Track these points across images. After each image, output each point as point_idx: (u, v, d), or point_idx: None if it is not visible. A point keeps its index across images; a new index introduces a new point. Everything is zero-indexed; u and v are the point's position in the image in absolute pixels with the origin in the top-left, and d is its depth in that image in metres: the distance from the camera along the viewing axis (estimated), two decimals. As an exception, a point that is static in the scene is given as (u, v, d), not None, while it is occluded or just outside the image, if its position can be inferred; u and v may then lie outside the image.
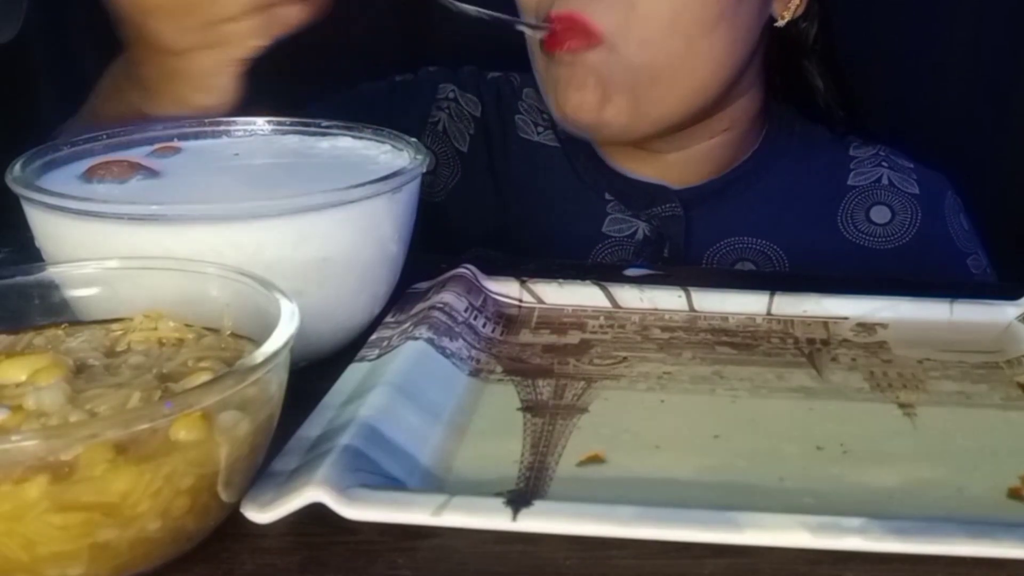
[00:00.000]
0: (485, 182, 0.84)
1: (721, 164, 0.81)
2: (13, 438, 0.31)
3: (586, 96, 0.71)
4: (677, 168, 0.80)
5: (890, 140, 0.87)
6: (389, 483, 0.39)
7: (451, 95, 0.87)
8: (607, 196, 0.81)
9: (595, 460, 0.43)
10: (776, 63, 0.80)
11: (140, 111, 0.63)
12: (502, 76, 0.89)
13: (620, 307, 0.59)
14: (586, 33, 0.69)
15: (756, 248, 0.79)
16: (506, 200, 0.84)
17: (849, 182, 0.82)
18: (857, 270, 0.78)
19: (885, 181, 0.82)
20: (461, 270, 0.59)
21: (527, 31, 0.73)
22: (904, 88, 1.05)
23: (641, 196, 0.81)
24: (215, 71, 0.60)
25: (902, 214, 0.80)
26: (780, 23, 0.76)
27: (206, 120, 0.59)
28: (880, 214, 0.81)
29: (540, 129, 0.85)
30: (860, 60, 1.04)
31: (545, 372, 0.51)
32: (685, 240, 0.79)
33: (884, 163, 0.83)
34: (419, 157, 0.53)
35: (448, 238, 0.80)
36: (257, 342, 0.37)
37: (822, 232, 0.80)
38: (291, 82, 1.06)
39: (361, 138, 0.59)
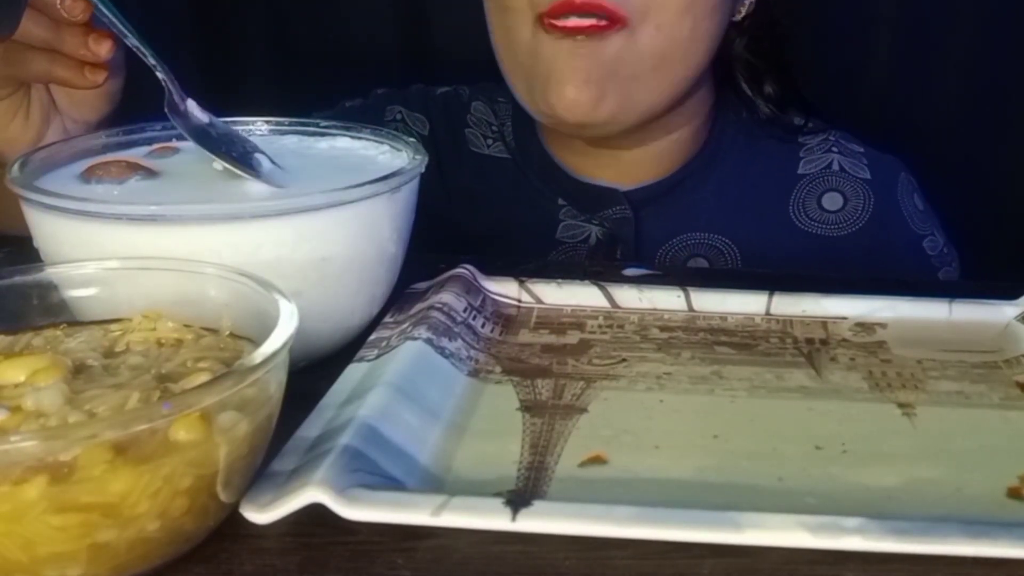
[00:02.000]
0: (438, 197, 0.84)
1: (675, 161, 0.81)
2: (12, 439, 0.31)
3: (584, 94, 0.70)
4: (631, 167, 0.80)
5: (888, 139, 0.87)
6: (388, 483, 0.39)
7: (398, 116, 0.87)
8: (560, 201, 0.82)
9: (597, 461, 0.43)
10: (724, 59, 0.80)
11: None
12: (451, 91, 0.89)
13: (619, 307, 0.59)
14: (612, 16, 0.68)
15: (708, 243, 0.79)
16: (460, 213, 0.84)
17: (799, 171, 0.82)
18: (812, 259, 0.78)
19: (836, 167, 0.82)
20: (460, 270, 0.59)
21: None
22: (904, 86, 1.05)
23: (592, 199, 0.81)
24: None
25: (854, 200, 0.80)
26: (737, 18, 0.77)
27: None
28: (832, 201, 0.80)
29: (489, 142, 0.85)
30: (860, 61, 1.04)
31: (544, 372, 0.51)
32: (636, 240, 0.79)
33: (834, 148, 0.82)
34: (418, 157, 0.53)
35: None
36: (256, 342, 0.37)
37: (774, 223, 0.80)
38: (289, 94, 1.07)
39: (360, 138, 0.59)
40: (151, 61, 0.55)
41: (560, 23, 0.69)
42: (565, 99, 0.70)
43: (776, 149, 0.82)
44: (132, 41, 0.54)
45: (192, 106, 0.56)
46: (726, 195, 0.81)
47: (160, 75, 0.55)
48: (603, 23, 0.68)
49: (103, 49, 0.56)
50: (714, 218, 0.80)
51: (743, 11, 0.77)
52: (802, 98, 0.84)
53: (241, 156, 0.53)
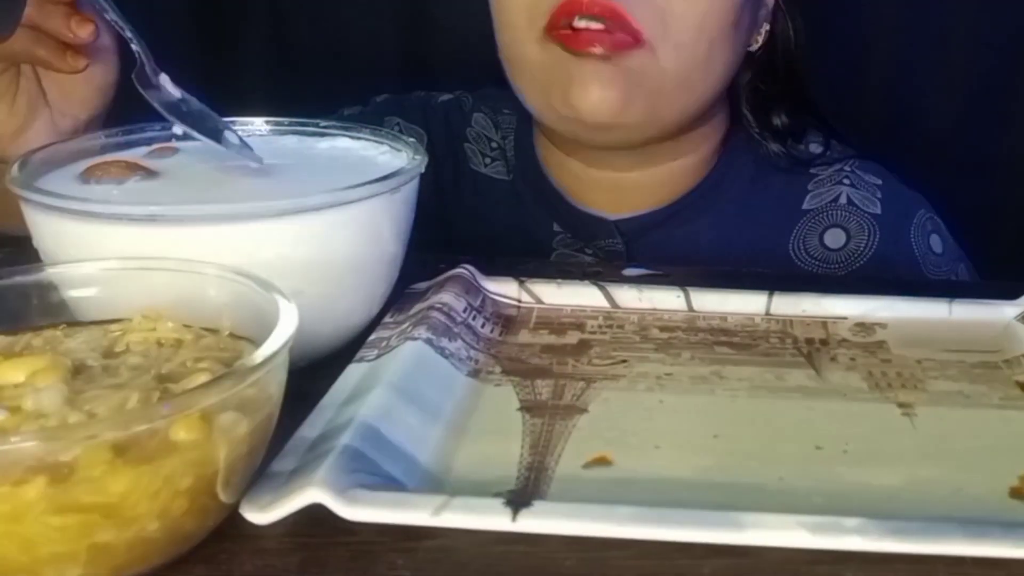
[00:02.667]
0: (430, 215, 0.82)
1: (676, 189, 0.79)
2: (12, 439, 0.31)
3: (610, 95, 0.68)
4: (629, 194, 0.78)
5: (886, 140, 0.86)
6: (388, 484, 0.39)
7: (396, 128, 0.85)
8: (555, 227, 0.80)
9: (602, 462, 0.43)
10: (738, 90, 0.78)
11: None
12: (452, 100, 0.87)
13: (619, 307, 0.59)
14: (630, 32, 0.67)
15: None
16: (455, 230, 0.82)
17: (804, 206, 0.78)
18: None
19: (843, 200, 0.78)
20: (460, 270, 0.59)
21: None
22: (903, 86, 1.05)
23: (585, 228, 0.79)
24: None
25: (858, 236, 0.77)
26: (753, 47, 0.76)
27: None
28: (834, 238, 0.77)
29: (488, 160, 0.84)
30: (859, 64, 1.04)
31: (544, 372, 0.51)
32: None
33: (846, 180, 0.79)
34: (417, 157, 0.53)
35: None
36: (256, 343, 0.37)
37: (772, 260, 0.77)
38: (290, 94, 1.07)
39: (359, 138, 0.59)
40: (127, 34, 0.55)
41: (566, 32, 0.67)
42: (590, 99, 0.68)
43: (784, 182, 0.79)
44: (111, 16, 0.55)
45: (165, 80, 0.56)
46: (723, 229, 0.78)
47: (134, 47, 0.55)
48: (625, 39, 0.67)
49: (84, 31, 0.57)
50: (711, 252, 0.77)
51: (759, 40, 0.76)
52: (825, 125, 0.81)
53: (211, 132, 0.54)
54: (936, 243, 0.78)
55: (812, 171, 0.80)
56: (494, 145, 0.85)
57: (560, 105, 0.70)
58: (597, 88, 0.68)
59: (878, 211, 0.77)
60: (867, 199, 0.78)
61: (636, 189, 0.78)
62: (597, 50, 0.67)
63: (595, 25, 0.67)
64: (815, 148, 0.80)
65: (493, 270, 0.60)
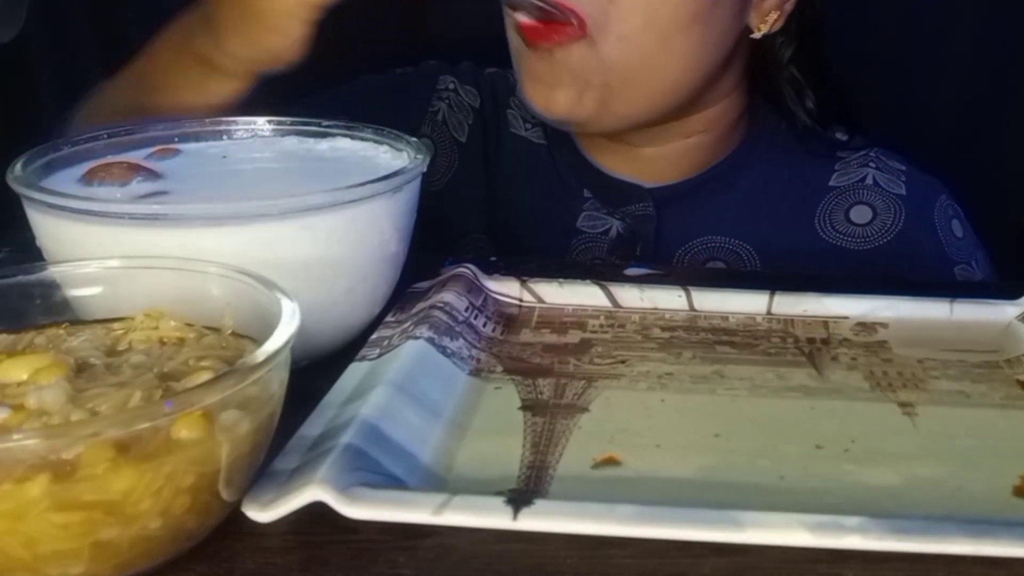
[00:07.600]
0: (479, 174, 0.85)
1: (697, 163, 0.81)
2: (15, 437, 0.31)
3: (557, 94, 0.71)
4: (652, 165, 0.81)
5: (889, 141, 0.86)
6: (390, 482, 0.39)
7: (451, 86, 0.88)
8: (585, 193, 0.82)
9: (610, 462, 0.43)
10: (759, 72, 0.79)
11: (204, 60, 0.66)
12: (498, 72, 0.90)
13: (620, 307, 0.59)
14: (571, 23, 0.68)
15: (728, 248, 0.79)
16: (494, 194, 0.85)
17: (831, 183, 0.80)
18: (832, 270, 0.77)
19: (870, 181, 0.80)
20: (461, 269, 0.59)
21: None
22: (905, 87, 1.05)
23: (616, 193, 0.81)
24: (291, 12, 0.63)
25: (884, 214, 0.79)
26: (756, 35, 0.76)
27: (207, 121, 0.59)
28: (860, 214, 0.79)
29: (528, 125, 0.86)
30: (860, 62, 1.04)
31: (545, 371, 0.51)
32: (656, 239, 0.79)
33: (872, 163, 0.81)
34: (419, 157, 0.53)
35: (440, 229, 0.80)
36: (258, 341, 0.37)
37: (797, 232, 0.79)
38: (289, 76, 1.06)
39: (361, 139, 0.59)
40: None
41: (522, 20, 0.70)
42: (539, 97, 0.73)
43: (811, 161, 0.81)
44: None
45: None
46: (752, 201, 0.80)
47: None
48: (557, 24, 0.68)
49: None
50: (737, 223, 0.79)
51: (763, 28, 0.75)
52: (848, 115, 0.82)
53: None
54: (957, 228, 0.80)
55: (838, 154, 0.81)
56: None
57: (524, 99, 0.75)
58: (543, 88, 0.72)
59: (903, 192, 0.80)
60: (892, 181, 0.80)
61: (656, 161, 0.80)
62: (545, 44, 0.70)
63: (531, 15, 0.69)
64: (840, 136, 0.82)
65: (495, 269, 0.60)
